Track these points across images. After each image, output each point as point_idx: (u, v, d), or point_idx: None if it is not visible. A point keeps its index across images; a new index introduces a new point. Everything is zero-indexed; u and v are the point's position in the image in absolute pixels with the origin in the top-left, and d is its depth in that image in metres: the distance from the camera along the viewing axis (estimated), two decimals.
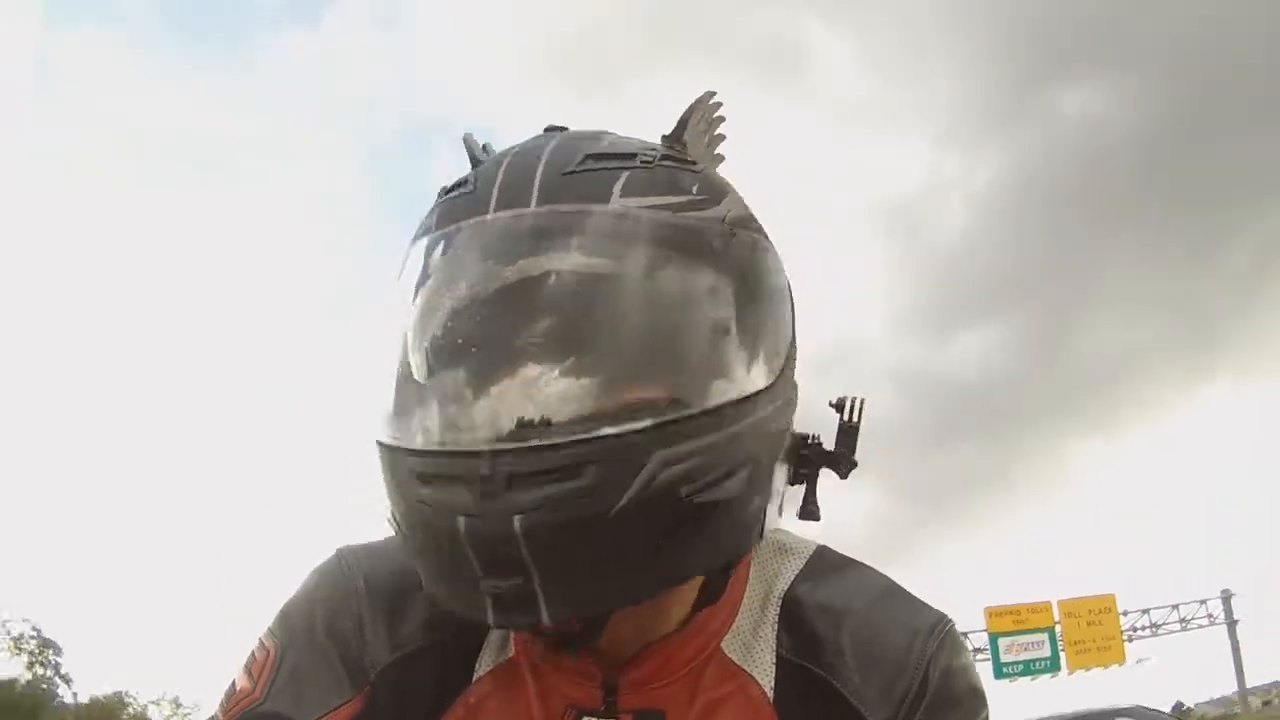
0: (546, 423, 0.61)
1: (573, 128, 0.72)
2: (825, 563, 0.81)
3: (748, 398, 0.66)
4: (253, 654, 0.79)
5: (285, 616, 0.80)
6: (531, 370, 0.62)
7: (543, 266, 0.64)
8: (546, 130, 0.71)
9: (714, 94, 0.74)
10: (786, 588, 0.78)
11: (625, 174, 0.65)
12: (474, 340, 0.64)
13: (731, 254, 0.67)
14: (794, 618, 0.76)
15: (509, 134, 0.73)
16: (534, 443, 0.60)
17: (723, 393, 0.65)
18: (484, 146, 0.73)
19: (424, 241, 0.68)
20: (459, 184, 0.69)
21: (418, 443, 0.64)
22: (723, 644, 0.75)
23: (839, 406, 0.73)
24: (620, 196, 0.64)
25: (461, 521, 0.60)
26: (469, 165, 0.72)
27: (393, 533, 0.70)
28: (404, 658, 0.77)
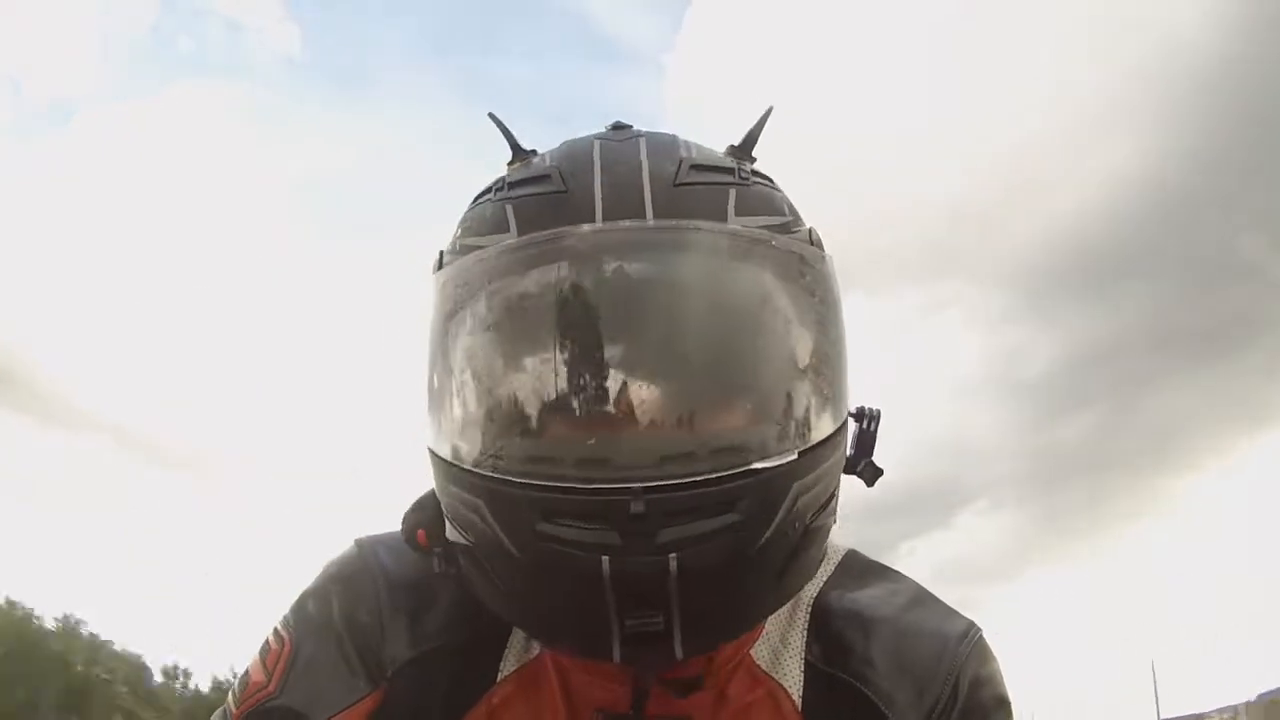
0: (692, 455, 0.59)
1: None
2: (855, 568, 0.79)
3: (845, 421, 0.67)
4: (267, 643, 0.77)
5: (302, 607, 0.78)
6: (678, 397, 0.60)
7: (678, 286, 0.62)
8: (615, 127, 0.68)
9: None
10: (816, 594, 0.76)
11: (734, 190, 0.64)
12: (607, 362, 0.60)
13: (827, 277, 0.67)
14: (823, 625, 0.75)
15: None
16: (689, 478, 0.58)
17: (837, 418, 0.65)
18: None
19: (512, 242, 0.63)
20: (533, 178, 0.65)
21: (544, 475, 0.60)
22: (751, 651, 0.74)
23: (858, 416, 0.72)
24: (735, 215, 0.63)
25: (605, 561, 0.57)
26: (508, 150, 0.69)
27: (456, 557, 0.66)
28: (424, 655, 0.74)
